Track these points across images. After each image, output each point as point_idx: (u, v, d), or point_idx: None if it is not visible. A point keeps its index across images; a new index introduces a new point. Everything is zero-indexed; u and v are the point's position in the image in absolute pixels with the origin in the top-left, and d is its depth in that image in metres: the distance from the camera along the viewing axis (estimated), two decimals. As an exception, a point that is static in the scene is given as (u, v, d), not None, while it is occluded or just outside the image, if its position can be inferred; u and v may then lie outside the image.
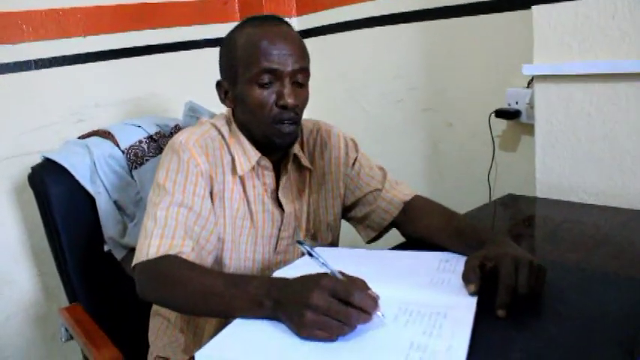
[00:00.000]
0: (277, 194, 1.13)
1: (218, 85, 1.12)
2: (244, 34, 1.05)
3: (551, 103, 1.38)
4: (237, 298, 0.80)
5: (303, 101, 1.08)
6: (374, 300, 0.72)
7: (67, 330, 1.34)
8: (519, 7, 1.56)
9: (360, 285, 0.75)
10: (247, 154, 1.09)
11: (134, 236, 1.40)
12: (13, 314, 1.85)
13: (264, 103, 1.03)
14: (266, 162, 1.10)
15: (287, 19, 2.25)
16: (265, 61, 1.01)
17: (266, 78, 1.02)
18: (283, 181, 1.13)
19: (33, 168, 1.43)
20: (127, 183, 1.46)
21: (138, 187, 1.46)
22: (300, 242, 0.94)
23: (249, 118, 1.06)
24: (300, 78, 1.05)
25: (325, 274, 0.76)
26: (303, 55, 1.06)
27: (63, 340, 1.36)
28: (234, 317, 0.79)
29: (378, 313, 0.72)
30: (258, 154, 1.09)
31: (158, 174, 1.05)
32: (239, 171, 1.07)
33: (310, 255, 0.90)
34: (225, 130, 1.11)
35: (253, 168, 1.10)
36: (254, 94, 1.03)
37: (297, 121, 1.06)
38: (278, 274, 0.91)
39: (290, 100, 1.01)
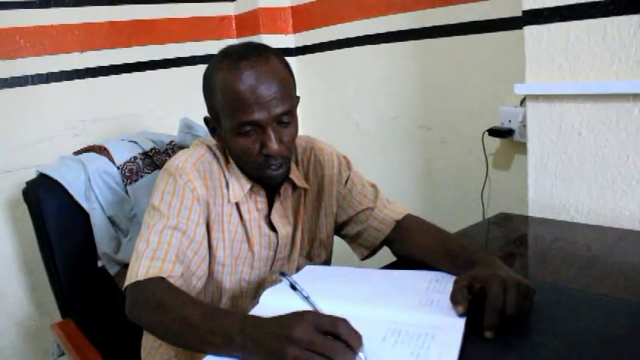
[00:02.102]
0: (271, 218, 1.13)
1: (206, 120, 1.10)
2: (221, 79, 0.99)
3: (543, 122, 1.39)
4: (210, 332, 0.76)
5: (291, 138, 1.03)
6: (358, 336, 0.69)
7: (58, 346, 1.34)
8: (512, 27, 1.58)
9: (344, 320, 0.70)
10: (240, 182, 1.08)
11: (128, 252, 1.40)
12: (6, 329, 1.85)
13: (249, 152, 1.00)
14: (258, 189, 1.10)
15: (283, 36, 2.30)
16: (243, 113, 0.97)
17: (247, 128, 0.98)
18: (276, 206, 1.13)
19: (28, 183, 1.43)
20: (121, 199, 1.46)
21: (132, 203, 1.47)
22: (283, 274, 0.94)
23: (236, 159, 1.06)
24: (284, 119, 1.00)
25: (308, 310, 0.73)
26: (285, 95, 0.99)
27: (55, 356, 1.36)
28: (206, 353, 0.76)
29: (361, 354, 0.68)
30: (251, 182, 1.08)
31: (153, 196, 1.04)
32: (232, 198, 1.07)
33: (294, 288, 0.89)
34: (220, 154, 1.10)
35: (247, 194, 1.09)
36: (237, 144, 1.00)
37: (285, 162, 1.04)
38: (269, 292, 0.92)
39: (275, 147, 0.98)
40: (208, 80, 1.04)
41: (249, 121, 0.97)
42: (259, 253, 1.12)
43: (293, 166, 1.16)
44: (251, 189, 1.09)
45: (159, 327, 0.87)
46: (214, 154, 1.10)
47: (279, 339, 0.68)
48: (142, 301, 0.90)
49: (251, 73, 0.97)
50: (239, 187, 1.08)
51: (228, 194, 1.08)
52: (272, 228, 1.13)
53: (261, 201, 1.12)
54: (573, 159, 1.36)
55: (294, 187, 1.16)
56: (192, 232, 1.01)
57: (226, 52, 1.03)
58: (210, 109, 1.07)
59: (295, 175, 1.15)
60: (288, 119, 1.01)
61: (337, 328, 0.67)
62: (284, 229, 1.13)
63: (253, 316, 0.76)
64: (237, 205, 1.09)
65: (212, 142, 1.13)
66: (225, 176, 1.09)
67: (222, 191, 1.08)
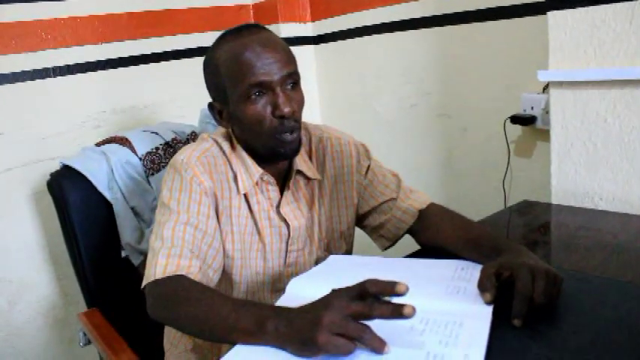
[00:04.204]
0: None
1: (210, 106, 1.10)
2: (224, 50, 1.02)
3: (567, 109, 1.37)
4: (240, 319, 0.76)
5: (300, 104, 1.04)
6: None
7: (85, 334, 1.36)
8: (534, 12, 1.56)
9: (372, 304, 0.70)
10: (249, 171, 1.07)
11: (151, 242, 1.42)
12: (33, 318, 1.88)
13: (261, 118, 1.00)
14: (269, 177, 1.09)
15: (301, 25, 2.30)
16: (251, 75, 0.98)
17: (256, 91, 0.99)
18: (286, 195, 1.11)
19: (52, 174, 1.45)
20: (143, 189, 1.48)
21: (154, 193, 1.48)
22: None
23: (248, 134, 1.04)
24: (290, 82, 1.02)
25: (336, 294, 0.72)
26: (289, 59, 1.02)
27: (81, 344, 1.38)
28: (236, 342, 0.76)
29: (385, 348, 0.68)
30: (260, 171, 1.07)
31: (162, 193, 1.04)
32: (242, 189, 1.06)
33: None
34: (226, 146, 1.09)
35: (257, 184, 1.08)
36: (248, 111, 1.00)
37: (297, 127, 1.04)
38: (295, 281, 0.92)
39: (287, 109, 0.99)
40: (210, 62, 1.06)
41: (258, 82, 0.98)
42: (270, 245, 1.11)
43: (305, 157, 1.15)
44: (261, 178, 1.08)
45: (185, 321, 0.86)
46: (220, 147, 1.09)
47: (309, 325, 0.68)
48: (165, 299, 0.91)
49: (254, 39, 1.00)
50: (247, 176, 1.07)
51: (236, 187, 1.07)
52: (284, 219, 1.11)
53: (273, 189, 1.10)
54: (598, 146, 1.34)
55: (307, 178, 1.15)
56: (204, 225, 1.00)
57: (224, 33, 1.06)
58: (215, 90, 1.07)
59: (306, 167, 1.14)
60: (295, 80, 1.03)
61: (370, 311, 0.68)
62: (296, 220, 1.12)
63: (283, 307, 0.77)
64: (245, 196, 1.08)
65: (219, 135, 1.12)
66: (232, 169, 1.07)
67: (229, 184, 1.07)
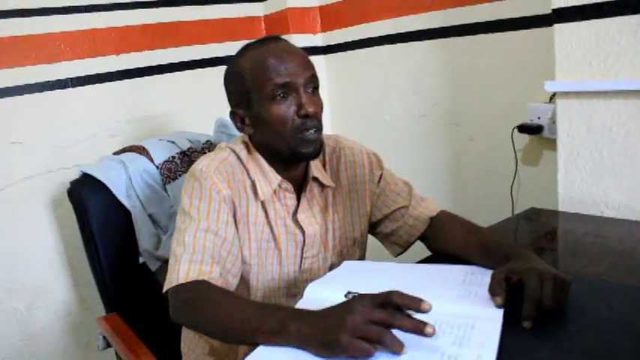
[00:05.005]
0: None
1: (232, 114, 1.13)
2: (248, 58, 1.07)
3: (573, 118, 1.40)
4: (263, 321, 0.79)
5: (321, 108, 1.09)
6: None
7: (104, 338, 1.39)
8: (541, 25, 1.59)
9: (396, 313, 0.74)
10: (267, 178, 1.10)
11: (168, 248, 1.44)
12: (50, 322, 1.92)
13: (286, 117, 1.04)
14: (287, 184, 1.12)
15: (311, 36, 2.34)
16: (277, 76, 1.02)
17: (281, 92, 1.03)
18: (303, 203, 1.14)
19: (72, 183, 1.49)
20: (161, 197, 1.51)
21: (171, 201, 1.51)
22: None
23: (272, 136, 1.07)
24: (311, 86, 1.06)
25: (359, 299, 0.75)
26: (310, 64, 1.08)
27: (100, 348, 1.41)
28: (258, 343, 0.79)
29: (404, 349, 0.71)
30: (279, 178, 1.11)
31: (183, 200, 1.07)
32: (260, 196, 1.09)
33: None
34: (243, 154, 1.12)
35: (275, 191, 1.11)
36: (273, 111, 1.04)
37: (320, 127, 1.08)
38: (312, 286, 0.95)
39: (311, 109, 1.03)
40: (233, 70, 1.10)
41: (283, 82, 1.03)
42: (286, 251, 1.13)
43: (319, 165, 1.18)
44: (279, 185, 1.11)
45: (208, 323, 0.90)
46: (238, 156, 1.12)
47: (332, 327, 0.71)
48: (188, 302, 0.94)
49: (277, 47, 1.07)
50: (266, 183, 1.10)
51: (253, 194, 1.10)
52: (299, 226, 1.14)
53: (290, 197, 1.14)
54: (604, 154, 1.37)
55: (322, 186, 1.18)
56: (223, 232, 1.04)
57: (247, 44, 1.12)
58: (238, 97, 1.10)
59: (321, 175, 1.17)
60: (316, 85, 1.08)
61: (392, 320, 0.71)
62: (311, 227, 1.15)
63: (304, 309, 0.80)
64: (263, 204, 1.11)
65: (236, 145, 1.15)
66: (249, 177, 1.11)
67: (246, 193, 1.10)
